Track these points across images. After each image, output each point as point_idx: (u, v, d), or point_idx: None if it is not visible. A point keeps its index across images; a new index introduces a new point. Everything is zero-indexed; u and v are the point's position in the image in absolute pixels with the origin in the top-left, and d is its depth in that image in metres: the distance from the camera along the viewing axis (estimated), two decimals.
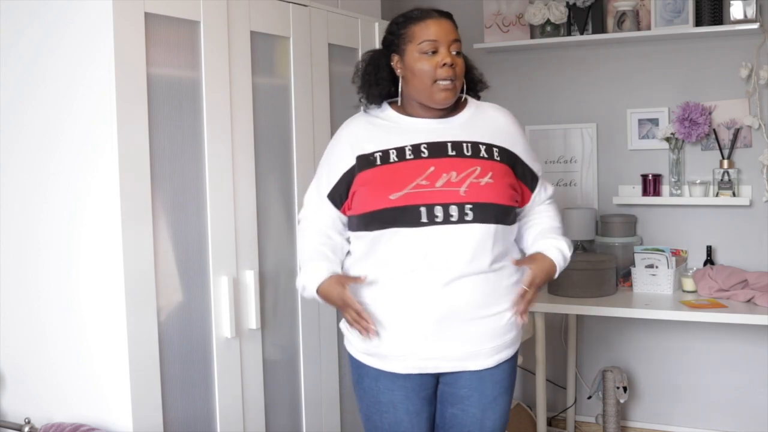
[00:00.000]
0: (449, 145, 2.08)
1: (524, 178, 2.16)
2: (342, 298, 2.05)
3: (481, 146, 2.09)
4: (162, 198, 2.10)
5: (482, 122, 2.15)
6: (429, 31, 2.07)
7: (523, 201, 2.19)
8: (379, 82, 2.16)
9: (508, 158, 2.12)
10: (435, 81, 2.06)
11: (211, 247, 2.25)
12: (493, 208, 2.04)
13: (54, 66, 2.03)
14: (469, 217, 2.01)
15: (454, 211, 2.00)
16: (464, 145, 2.08)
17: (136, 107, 2.01)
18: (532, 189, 2.20)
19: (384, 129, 2.14)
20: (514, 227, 2.15)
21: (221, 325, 2.27)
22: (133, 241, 1.99)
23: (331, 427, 2.74)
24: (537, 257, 2.14)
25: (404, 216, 2.01)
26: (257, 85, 2.42)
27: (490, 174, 2.05)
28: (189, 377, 2.20)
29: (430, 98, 2.09)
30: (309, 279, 2.11)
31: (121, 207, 1.96)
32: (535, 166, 2.20)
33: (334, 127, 2.74)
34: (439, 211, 2.00)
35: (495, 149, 2.11)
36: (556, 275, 2.16)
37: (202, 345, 2.24)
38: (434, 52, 2.07)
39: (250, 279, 2.36)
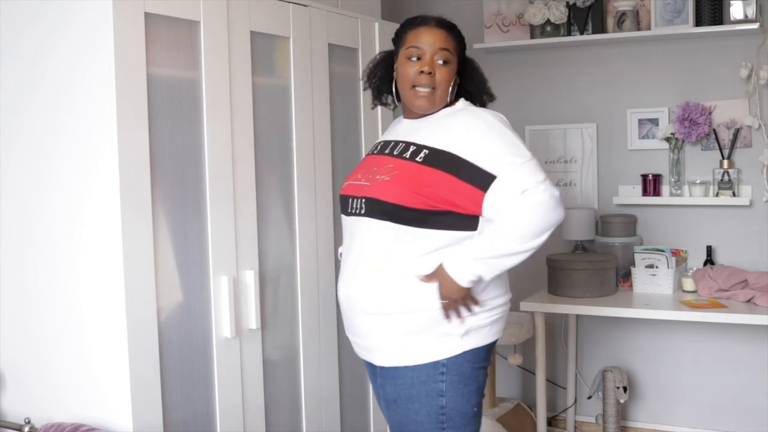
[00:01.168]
0: (392, 144, 2.19)
1: (473, 180, 2.02)
2: None
3: (411, 146, 2.12)
4: (162, 198, 2.10)
5: (441, 126, 2.14)
6: (417, 38, 2.15)
7: (476, 205, 2.03)
8: (377, 77, 2.29)
9: (442, 161, 2.04)
10: (413, 87, 2.14)
11: (211, 247, 2.24)
12: (380, 204, 2.05)
13: (54, 66, 2.03)
14: (363, 211, 2.10)
15: (358, 204, 2.12)
16: (400, 144, 2.16)
17: (136, 107, 2.01)
18: (485, 189, 2.02)
19: (391, 128, 2.33)
20: (431, 232, 2.04)
21: (221, 325, 2.27)
22: (133, 241, 1.99)
23: (331, 427, 2.74)
24: (438, 271, 2.03)
25: (343, 204, 2.20)
26: (257, 85, 2.42)
27: (392, 173, 2.07)
28: (189, 377, 2.20)
29: (410, 103, 2.18)
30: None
31: (121, 207, 1.96)
32: (495, 167, 2.01)
33: (334, 127, 2.75)
34: (354, 203, 2.14)
35: (425, 150, 2.08)
36: (466, 282, 2.01)
37: (202, 345, 2.24)
38: (419, 59, 2.14)
39: (250, 279, 2.36)
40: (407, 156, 2.10)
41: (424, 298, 2.05)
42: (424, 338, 2.07)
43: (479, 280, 2.04)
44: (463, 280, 2.01)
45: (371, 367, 2.24)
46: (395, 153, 2.14)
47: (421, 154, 2.08)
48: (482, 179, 2.02)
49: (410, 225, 2.04)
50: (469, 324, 2.08)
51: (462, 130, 2.09)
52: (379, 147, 2.24)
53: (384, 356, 2.13)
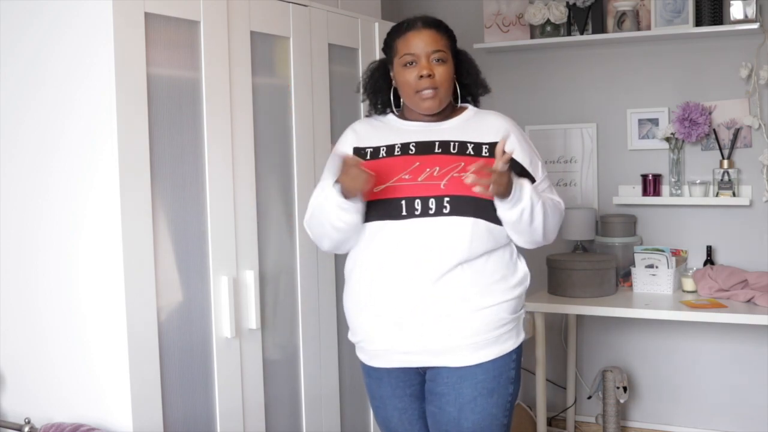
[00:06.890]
0: (437, 143, 2.14)
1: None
2: (342, 168, 2.03)
3: (468, 144, 2.12)
4: (162, 198, 2.10)
5: (477, 125, 2.17)
6: (408, 44, 2.15)
7: None
8: (378, 90, 2.28)
9: None
10: (417, 92, 2.14)
11: (211, 246, 2.25)
12: (472, 201, 2.03)
13: (54, 66, 2.03)
14: (447, 210, 2.04)
15: (432, 203, 2.04)
16: (452, 143, 2.13)
17: (136, 107, 2.01)
18: None
19: (382, 130, 2.24)
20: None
21: (221, 325, 2.27)
22: (133, 241, 1.99)
23: (331, 427, 2.74)
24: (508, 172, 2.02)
25: (387, 209, 2.07)
26: (257, 85, 2.42)
27: (473, 168, 2.01)
28: (189, 377, 2.20)
29: (417, 107, 2.17)
30: (325, 189, 2.11)
31: (121, 207, 1.96)
32: (534, 172, 2.17)
33: (334, 127, 2.75)
34: (418, 204, 2.05)
35: (484, 146, 2.11)
36: (511, 190, 2.00)
37: (202, 345, 2.24)
38: (415, 63, 2.14)
39: (250, 279, 2.36)
40: (471, 153, 2.10)
41: (510, 285, 2.10)
42: (509, 326, 2.10)
43: (513, 201, 2.00)
44: (515, 187, 2.00)
45: (410, 374, 2.17)
46: (454, 151, 2.10)
47: (485, 149, 2.10)
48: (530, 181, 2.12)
49: (491, 220, 2.06)
50: (523, 312, 2.18)
51: (503, 129, 2.14)
52: (413, 147, 2.13)
53: (468, 355, 2.07)
